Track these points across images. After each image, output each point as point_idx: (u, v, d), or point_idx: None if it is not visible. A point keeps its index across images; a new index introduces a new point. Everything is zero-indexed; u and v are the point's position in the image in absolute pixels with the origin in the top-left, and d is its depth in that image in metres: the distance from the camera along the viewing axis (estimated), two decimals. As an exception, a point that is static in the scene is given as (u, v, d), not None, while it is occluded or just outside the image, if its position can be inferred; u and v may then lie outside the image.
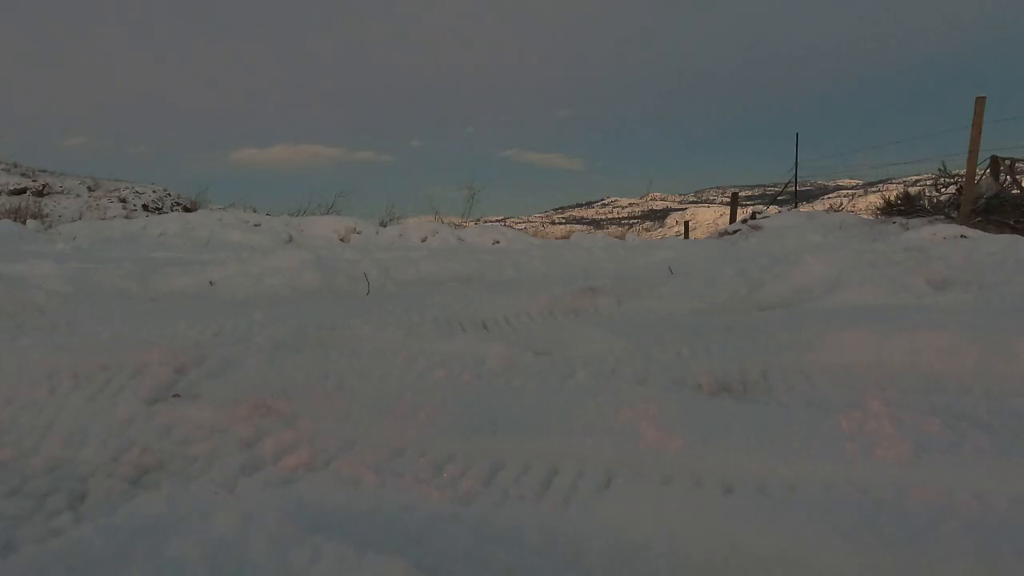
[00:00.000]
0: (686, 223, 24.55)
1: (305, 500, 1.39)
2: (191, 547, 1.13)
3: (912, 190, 14.94)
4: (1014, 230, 11.11)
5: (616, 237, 17.97)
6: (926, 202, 13.85)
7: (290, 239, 14.13)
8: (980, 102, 11.36)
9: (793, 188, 17.91)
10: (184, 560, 1.10)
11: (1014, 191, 12.51)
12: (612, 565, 1.35)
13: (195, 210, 21.74)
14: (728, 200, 19.43)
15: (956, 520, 1.43)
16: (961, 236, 9.81)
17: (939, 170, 13.88)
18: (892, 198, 15.08)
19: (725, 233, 15.43)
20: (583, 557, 1.37)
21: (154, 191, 28.16)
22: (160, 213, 23.78)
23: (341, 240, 15.24)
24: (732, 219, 17.83)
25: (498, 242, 19.10)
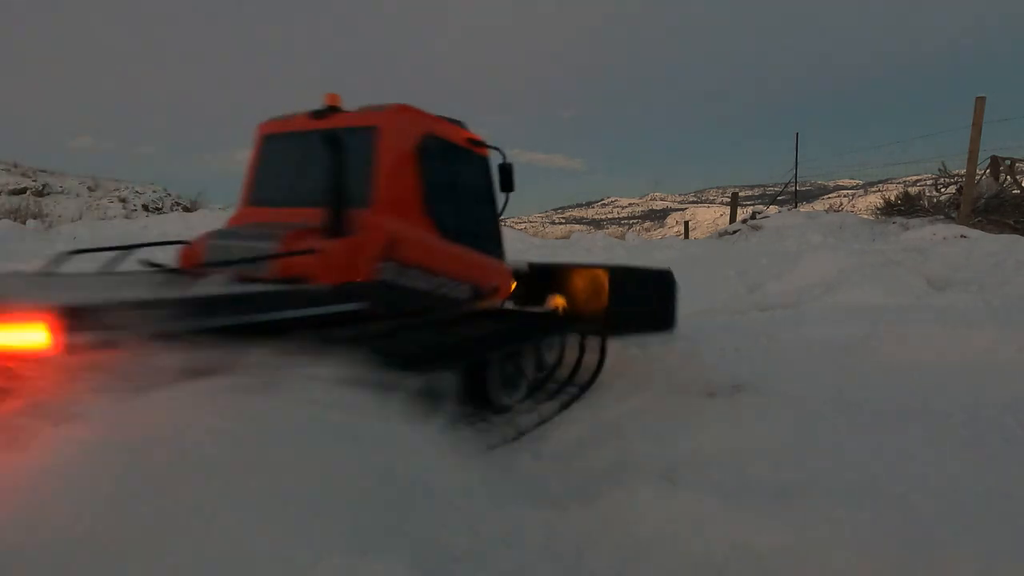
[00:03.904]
0: (686, 223, 24.50)
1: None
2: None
3: (912, 190, 14.93)
4: (1014, 230, 11.10)
5: (616, 237, 17.96)
6: (926, 202, 13.84)
7: (290, 239, 14.14)
8: (980, 102, 11.35)
9: (793, 188, 17.89)
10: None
11: (1014, 191, 12.50)
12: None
13: (195, 210, 21.71)
14: (728, 200, 19.40)
15: None
16: (961, 236, 9.81)
17: (939, 170, 13.88)
18: (892, 198, 15.08)
19: (725, 233, 15.41)
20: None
21: (154, 191, 28.12)
22: (160, 213, 23.74)
23: (341, 240, 15.24)
24: (732, 219, 17.80)
25: (498, 242, 19.03)
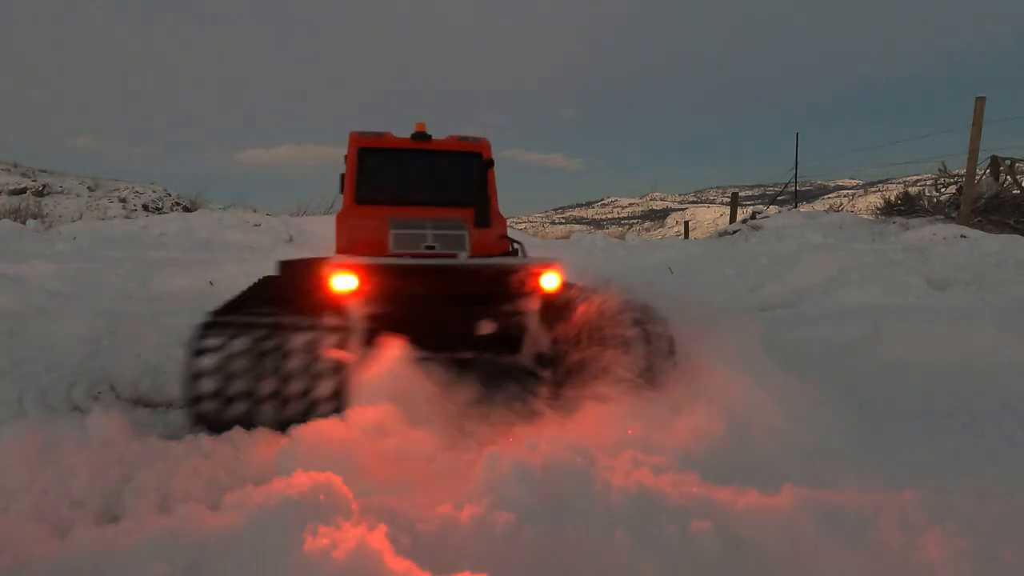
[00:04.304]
0: (686, 223, 24.49)
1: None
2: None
3: (912, 190, 14.90)
4: (1014, 230, 11.09)
5: (616, 237, 17.93)
6: (926, 202, 13.83)
7: (290, 239, 14.13)
8: (980, 102, 11.34)
9: (793, 188, 17.87)
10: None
11: (1014, 191, 12.48)
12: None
13: (195, 210, 21.72)
14: (728, 200, 19.39)
15: None
16: (961, 236, 9.80)
17: (939, 170, 13.86)
18: (892, 198, 15.06)
19: (725, 233, 15.41)
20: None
21: (154, 191, 28.10)
22: (160, 213, 23.73)
23: (341, 240, 15.29)
24: (732, 219, 17.79)
25: (498, 242, 19.03)
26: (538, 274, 3.37)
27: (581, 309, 3.26)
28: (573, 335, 3.20)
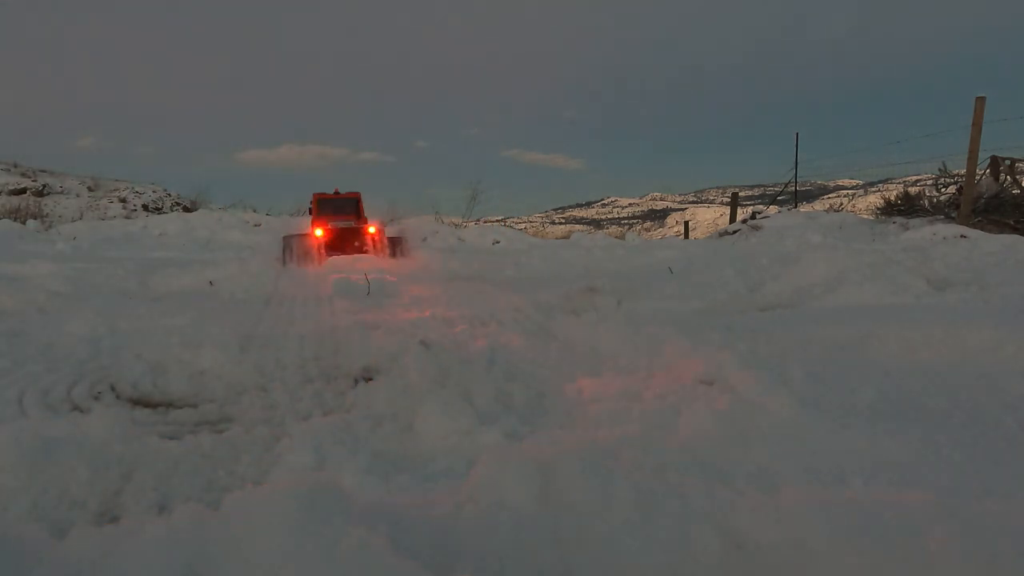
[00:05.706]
0: (686, 223, 24.49)
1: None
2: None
3: (912, 190, 14.88)
4: (1014, 230, 11.08)
5: (616, 237, 17.92)
6: (926, 202, 13.82)
7: (290, 239, 14.24)
8: (980, 102, 11.32)
9: (793, 188, 17.85)
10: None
11: (1014, 191, 12.47)
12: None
13: (195, 210, 21.69)
14: (728, 200, 19.39)
15: None
16: (961, 236, 9.79)
17: (939, 170, 13.84)
18: (892, 198, 15.04)
19: (725, 233, 15.42)
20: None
21: (154, 191, 28.07)
22: (160, 213, 23.68)
23: (341, 240, 15.46)
24: (732, 219, 17.79)
25: (498, 242, 19.09)
26: (369, 227, 13.51)
27: (381, 237, 13.35)
28: (379, 242, 13.25)
